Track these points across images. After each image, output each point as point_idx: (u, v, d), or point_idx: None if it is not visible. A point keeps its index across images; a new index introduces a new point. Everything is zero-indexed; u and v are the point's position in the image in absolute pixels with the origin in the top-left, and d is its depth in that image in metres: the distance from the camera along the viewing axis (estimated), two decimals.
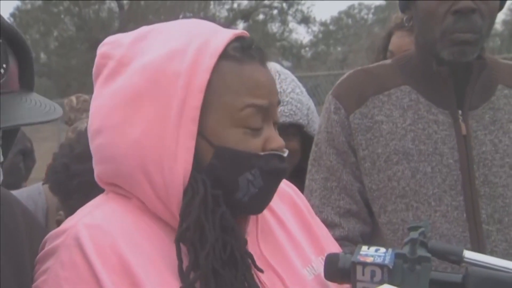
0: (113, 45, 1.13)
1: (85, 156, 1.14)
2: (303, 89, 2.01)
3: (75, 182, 1.83)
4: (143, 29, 1.15)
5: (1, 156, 0.98)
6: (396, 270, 1.07)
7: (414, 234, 1.11)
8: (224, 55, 1.08)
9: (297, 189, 1.35)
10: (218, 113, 1.06)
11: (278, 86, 1.90)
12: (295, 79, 2.02)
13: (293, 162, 1.92)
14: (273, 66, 2.00)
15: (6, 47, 0.95)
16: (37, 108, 0.96)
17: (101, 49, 1.14)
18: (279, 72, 1.98)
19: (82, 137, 1.20)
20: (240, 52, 1.09)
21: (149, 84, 1.06)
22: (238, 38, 1.11)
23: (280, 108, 1.88)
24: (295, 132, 1.92)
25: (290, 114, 1.90)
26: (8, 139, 1.04)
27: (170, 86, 1.05)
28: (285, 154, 1.12)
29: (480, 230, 1.58)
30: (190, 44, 1.08)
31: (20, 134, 1.39)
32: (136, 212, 1.08)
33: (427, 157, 1.60)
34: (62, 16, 22.65)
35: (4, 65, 0.94)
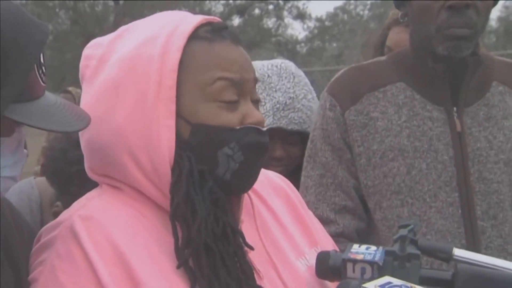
0: (94, 47, 1.17)
1: None
2: (314, 94, 1.99)
3: (74, 169, 1.83)
4: (121, 28, 1.19)
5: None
6: (386, 267, 1.08)
7: (403, 232, 1.12)
8: (194, 36, 1.10)
9: (290, 182, 1.36)
10: (191, 90, 1.08)
11: (291, 91, 1.90)
12: (308, 83, 2.01)
13: (293, 164, 1.92)
14: (289, 67, 1.99)
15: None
16: (68, 114, 0.98)
17: (85, 52, 1.18)
18: (294, 74, 1.96)
19: None
20: (211, 33, 1.12)
21: (126, 73, 1.09)
22: (210, 23, 1.13)
23: (290, 114, 1.88)
24: (301, 139, 1.91)
25: (299, 122, 1.90)
26: None
27: (145, 70, 1.08)
28: (264, 129, 1.12)
29: (475, 226, 1.59)
30: (162, 30, 1.11)
31: None
32: (130, 202, 1.10)
33: (422, 154, 1.60)
34: (57, 10, 22.56)
35: (43, 68, 0.94)
